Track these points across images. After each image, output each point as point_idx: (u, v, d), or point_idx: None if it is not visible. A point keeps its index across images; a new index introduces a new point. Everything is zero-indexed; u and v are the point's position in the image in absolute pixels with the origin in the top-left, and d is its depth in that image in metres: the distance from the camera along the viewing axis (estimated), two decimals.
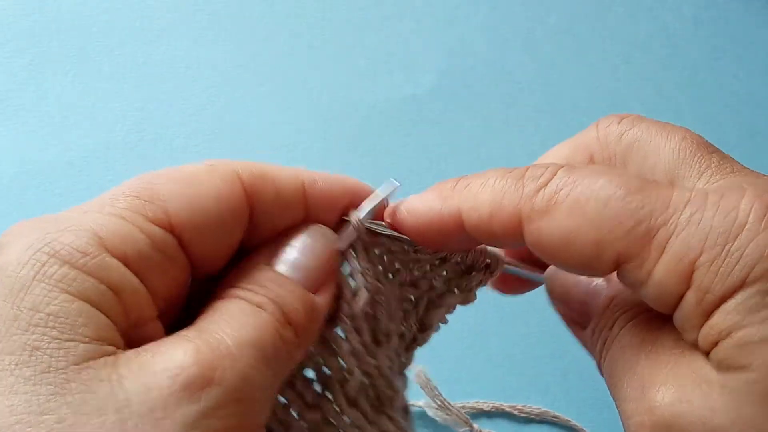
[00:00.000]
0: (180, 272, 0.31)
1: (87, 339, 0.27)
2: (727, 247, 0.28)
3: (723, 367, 0.28)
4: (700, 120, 0.73)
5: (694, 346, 0.30)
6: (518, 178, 0.33)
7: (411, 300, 0.39)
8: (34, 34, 0.77)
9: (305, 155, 0.72)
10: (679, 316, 0.30)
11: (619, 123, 0.37)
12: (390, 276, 0.38)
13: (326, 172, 0.35)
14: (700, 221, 0.29)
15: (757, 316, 0.27)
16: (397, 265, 0.38)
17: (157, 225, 0.29)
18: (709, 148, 0.35)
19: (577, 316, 0.36)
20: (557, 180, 0.32)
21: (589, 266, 0.31)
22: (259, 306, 0.31)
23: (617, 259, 0.30)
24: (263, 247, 0.34)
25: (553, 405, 0.62)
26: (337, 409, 0.36)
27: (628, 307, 0.33)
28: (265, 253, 0.33)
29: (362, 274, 0.36)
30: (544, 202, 0.32)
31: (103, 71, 0.76)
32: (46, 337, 0.26)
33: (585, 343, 0.36)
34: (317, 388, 0.36)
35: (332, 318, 0.36)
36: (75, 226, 0.28)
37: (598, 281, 0.36)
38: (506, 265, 0.39)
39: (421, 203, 0.36)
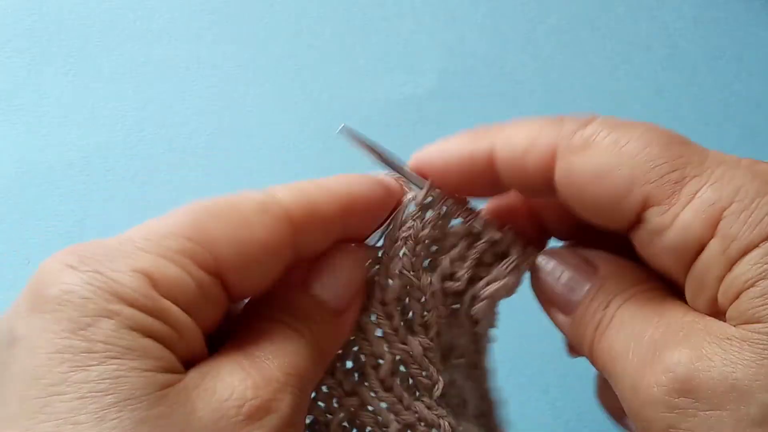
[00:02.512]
0: (220, 310, 0.32)
1: (162, 369, 0.28)
2: (757, 200, 0.28)
3: (744, 319, 0.28)
4: (700, 120, 0.73)
5: (709, 308, 0.30)
6: (556, 119, 0.34)
7: (456, 295, 0.39)
8: (34, 34, 0.77)
9: (305, 155, 0.72)
10: (698, 268, 0.30)
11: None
12: (427, 265, 0.38)
13: (365, 179, 0.36)
14: (733, 177, 0.29)
15: None
16: (434, 248, 0.38)
17: (205, 271, 0.30)
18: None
19: (562, 302, 0.36)
20: (596, 124, 0.32)
21: (615, 205, 0.31)
22: (297, 332, 0.33)
23: (644, 201, 0.30)
24: (299, 266, 0.35)
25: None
26: (373, 394, 0.38)
27: (623, 288, 0.33)
28: (300, 273, 0.35)
29: (396, 261, 0.37)
30: (583, 139, 0.32)
31: (103, 71, 0.76)
32: (124, 368, 0.27)
33: (565, 328, 0.36)
34: (354, 374, 0.38)
35: (365, 305, 0.37)
36: (130, 266, 0.29)
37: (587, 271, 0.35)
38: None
39: (451, 142, 0.36)
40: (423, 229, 0.37)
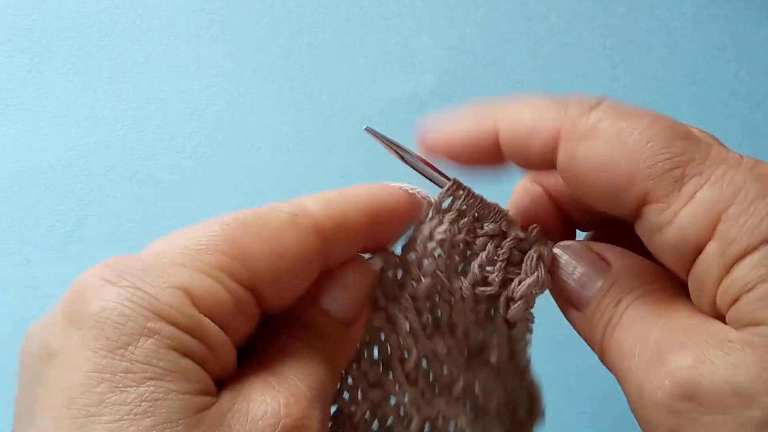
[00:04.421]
0: (253, 322, 0.32)
1: (198, 392, 0.28)
2: (756, 203, 0.28)
3: (745, 322, 0.28)
4: (700, 119, 0.73)
5: (711, 311, 0.29)
6: (562, 101, 0.33)
7: (490, 299, 0.39)
8: (34, 34, 0.77)
9: (305, 155, 0.72)
10: (697, 270, 0.29)
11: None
12: (460, 270, 0.38)
13: (389, 189, 0.36)
14: (733, 178, 0.29)
15: None
16: (468, 252, 0.38)
17: (241, 284, 0.30)
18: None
19: (575, 298, 0.35)
20: (603, 110, 0.32)
21: (615, 197, 0.31)
22: (313, 348, 0.33)
23: (645, 196, 0.30)
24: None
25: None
26: (397, 388, 0.38)
27: (634, 286, 0.33)
28: (311, 287, 0.35)
29: (429, 259, 0.37)
30: (587, 126, 0.31)
31: (103, 71, 0.76)
32: (163, 390, 0.27)
33: (578, 324, 0.36)
34: (379, 366, 0.38)
35: (396, 297, 0.37)
36: (168, 282, 0.29)
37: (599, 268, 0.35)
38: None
39: (456, 121, 0.36)
40: (459, 233, 0.37)
